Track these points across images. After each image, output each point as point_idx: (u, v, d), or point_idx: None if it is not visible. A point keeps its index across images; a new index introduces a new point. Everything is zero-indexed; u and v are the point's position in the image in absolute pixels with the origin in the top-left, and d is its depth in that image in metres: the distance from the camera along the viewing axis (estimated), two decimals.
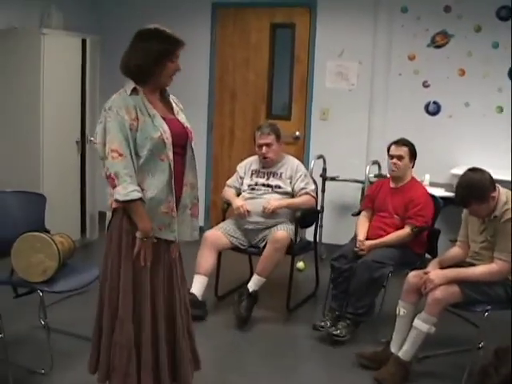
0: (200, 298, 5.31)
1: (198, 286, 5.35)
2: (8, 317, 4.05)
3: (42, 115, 6.57)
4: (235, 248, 5.62)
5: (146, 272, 3.48)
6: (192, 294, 5.25)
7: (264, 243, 5.50)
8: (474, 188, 4.20)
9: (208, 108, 7.88)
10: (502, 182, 4.44)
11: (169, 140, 3.43)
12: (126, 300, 3.46)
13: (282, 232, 5.42)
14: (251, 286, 5.35)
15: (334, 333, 4.92)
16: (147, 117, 3.42)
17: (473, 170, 4.33)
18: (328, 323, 5.00)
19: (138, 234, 3.38)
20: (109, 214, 3.54)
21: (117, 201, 3.35)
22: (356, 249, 5.14)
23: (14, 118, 6.68)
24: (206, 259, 5.44)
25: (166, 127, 3.45)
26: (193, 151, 3.64)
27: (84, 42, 7.04)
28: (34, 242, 4.34)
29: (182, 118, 3.65)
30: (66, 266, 4.57)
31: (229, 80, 7.80)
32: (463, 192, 4.26)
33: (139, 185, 3.38)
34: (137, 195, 3.32)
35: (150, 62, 3.44)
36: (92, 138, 3.50)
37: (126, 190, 3.29)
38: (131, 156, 3.35)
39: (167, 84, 3.61)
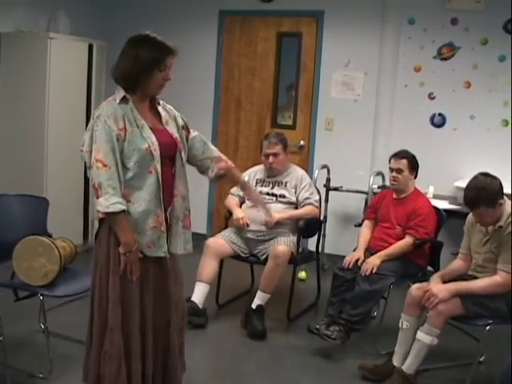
0: (200, 306, 5.30)
1: (198, 293, 5.33)
2: (8, 320, 4.05)
3: (47, 119, 6.60)
4: (237, 256, 5.60)
5: (134, 283, 3.43)
6: (192, 302, 5.24)
7: (265, 256, 5.49)
8: (484, 190, 4.21)
9: (213, 116, 7.86)
10: (507, 195, 4.43)
11: (157, 152, 3.37)
12: (115, 310, 3.42)
13: (283, 247, 5.39)
14: (256, 302, 5.31)
15: (325, 332, 4.88)
16: (135, 127, 3.36)
17: (484, 174, 4.35)
18: (323, 327, 4.96)
19: (120, 249, 3.33)
20: (96, 223, 3.49)
21: (97, 210, 3.32)
22: (344, 264, 5.15)
23: (18, 122, 6.71)
24: (208, 267, 5.43)
25: (154, 139, 3.38)
26: (183, 162, 3.58)
27: (91, 47, 7.06)
28: (36, 245, 4.34)
29: (170, 128, 3.57)
30: (67, 271, 4.56)
31: (234, 88, 7.80)
32: (473, 193, 4.26)
33: (127, 197, 3.33)
34: (119, 207, 3.26)
35: (136, 70, 3.36)
36: (81, 147, 3.43)
37: (108, 202, 3.23)
38: (117, 167, 3.28)
39: (156, 93, 3.53)
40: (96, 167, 3.25)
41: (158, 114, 3.58)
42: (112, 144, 3.27)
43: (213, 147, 3.85)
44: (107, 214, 3.28)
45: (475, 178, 4.37)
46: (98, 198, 3.27)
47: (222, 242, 5.56)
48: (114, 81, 3.47)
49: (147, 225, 3.40)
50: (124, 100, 3.38)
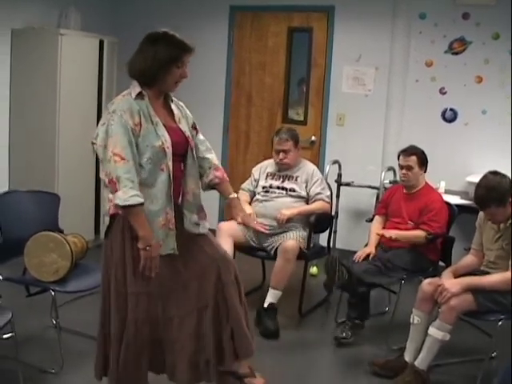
0: None
1: None
2: (20, 316, 4.04)
3: (59, 115, 6.61)
4: (247, 247, 5.59)
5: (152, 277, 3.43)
6: None
7: (273, 249, 5.47)
8: (495, 190, 4.21)
9: (224, 111, 7.86)
10: None
11: (169, 149, 3.39)
12: (139, 303, 3.45)
13: (291, 241, 5.37)
14: (268, 300, 5.30)
15: (340, 336, 4.93)
16: (150, 124, 3.38)
17: (493, 172, 4.35)
18: (349, 333, 4.96)
19: (139, 244, 3.32)
20: (107, 219, 3.49)
21: (117, 206, 3.29)
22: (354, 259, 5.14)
23: (30, 118, 6.72)
24: (224, 243, 5.36)
25: (167, 136, 3.41)
26: (194, 159, 3.60)
27: (101, 42, 7.06)
28: (48, 241, 4.36)
29: (183, 125, 3.60)
30: (79, 266, 4.58)
31: (245, 83, 7.79)
32: (483, 193, 4.26)
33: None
34: (137, 200, 3.25)
35: (154, 67, 3.39)
36: (93, 140, 3.46)
37: (127, 195, 3.23)
38: (134, 161, 3.30)
39: (172, 90, 3.57)
40: (114, 161, 3.25)
41: (171, 112, 3.60)
42: (129, 137, 3.29)
43: (214, 155, 3.87)
44: (125, 207, 3.26)
45: (485, 177, 4.36)
46: (115, 191, 3.26)
47: (234, 225, 5.52)
48: (129, 76, 3.49)
49: (158, 223, 3.41)
50: (140, 96, 3.41)
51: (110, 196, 3.38)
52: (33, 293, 4.63)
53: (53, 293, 4.31)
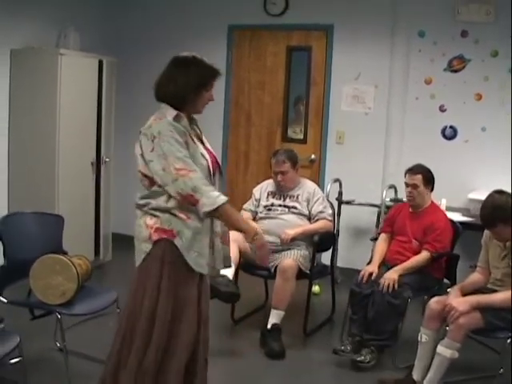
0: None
1: (227, 270, 5.28)
2: (25, 339, 4.00)
3: (58, 135, 6.58)
4: (248, 265, 5.56)
5: (184, 304, 3.46)
6: (224, 276, 5.15)
7: (273, 268, 5.45)
8: (501, 209, 4.22)
9: (223, 130, 7.86)
10: None
11: (211, 168, 3.46)
12: (162, 331, 3.44)
13: (289, 261, 5.36)
14: (271, 320, 5.28)
15: (358, 359, 4.84)
16: (193, 143, 3.43)
17: (498, 192, 4.35)
18: (348, 347, 4.93)
19: (247, 239, 3.47)
20: (146, 246, 3.44)
21: (205, 212, 3.29)
22: (360, 278, 5.14)
23: (29, 138, 6.69)
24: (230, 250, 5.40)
25: (208, 155, 3.47)
26: (221, 177, 3.64)
27: (101, 63, 7.05)
28: (54, 264, 4.33)
29: (209, 146, 3.65)
30: (84, 289, 4.53)
31: (244, 102, 7.80)
32: (489, 213, 4.27)
33: (186, 214, 3.36)
34: (224, 198, 3.30)
35: (187, 90, 3.45)
36: (139, 170, 3.48)
37: (212, 198, 3.27)
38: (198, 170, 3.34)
39: (199, 112, 3.62)
40: (181, 176, 3.28)
41: (198, 133, 3.63)
42: (185, 152, 3.33)
43: None
44: (215, 210, 3.29)
45: (490, 196, 4.38)
46: (196, 203, 3.28)
47: (238, 234, 5.54)
48: (157, 99, 3.52)
49: (206, 241, 3.46)
50: (177, 118, 3.43)
51: (150, 222, 3.40)
52: (37, 315, 4.59)
53: (59, 316, 4.26)
